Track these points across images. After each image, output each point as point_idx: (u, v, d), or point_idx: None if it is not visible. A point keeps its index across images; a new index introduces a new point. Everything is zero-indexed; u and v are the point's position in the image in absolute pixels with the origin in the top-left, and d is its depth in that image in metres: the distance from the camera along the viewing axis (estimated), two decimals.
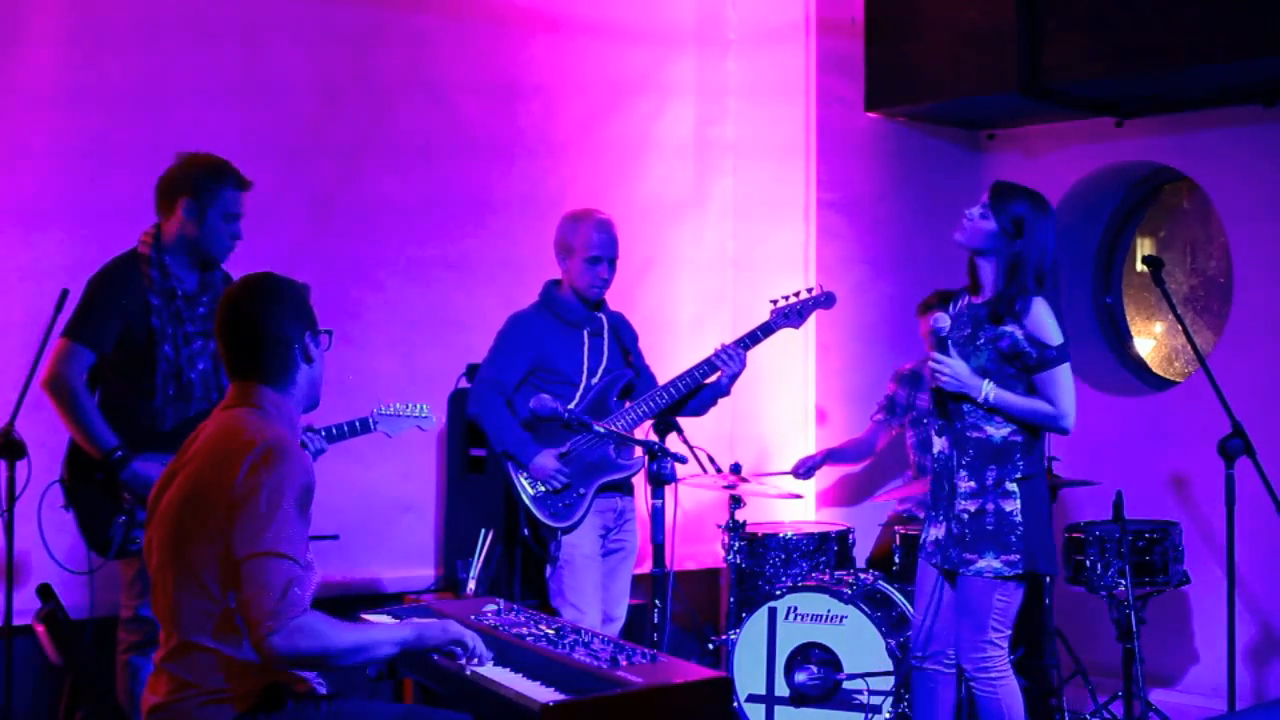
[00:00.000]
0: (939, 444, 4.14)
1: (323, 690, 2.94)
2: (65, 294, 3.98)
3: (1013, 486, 3.98)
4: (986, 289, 4.07)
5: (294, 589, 2.70)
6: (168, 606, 2.83)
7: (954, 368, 3.97)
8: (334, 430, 4.19)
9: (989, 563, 3.97)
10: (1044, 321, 3.96)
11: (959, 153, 6.60)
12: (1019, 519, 3.97)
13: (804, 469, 5.55)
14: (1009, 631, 4.05)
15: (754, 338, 4.74)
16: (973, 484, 4.01)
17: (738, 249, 6.42)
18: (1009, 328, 3.97)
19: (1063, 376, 3.96)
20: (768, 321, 4.76)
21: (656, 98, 6.25)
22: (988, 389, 3.94)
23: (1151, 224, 6.61)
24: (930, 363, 4.03)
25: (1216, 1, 5.20)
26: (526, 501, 4.61)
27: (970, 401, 3.98)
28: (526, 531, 4.67)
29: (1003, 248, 4.02)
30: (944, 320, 4.01)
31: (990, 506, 3.98)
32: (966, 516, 4.01)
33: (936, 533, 4.11)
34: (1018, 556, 3.96)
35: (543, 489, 4.61)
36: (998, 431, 3.99)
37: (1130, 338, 6.59)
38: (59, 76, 4.78)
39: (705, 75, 6.37)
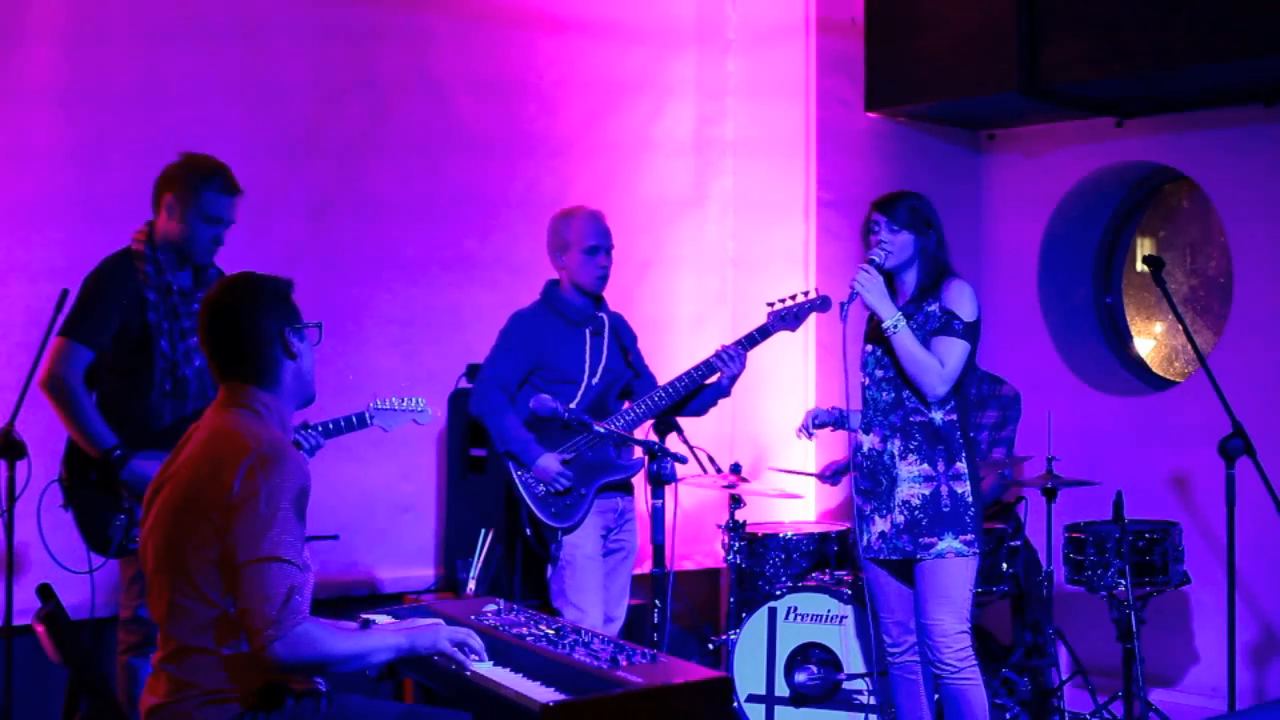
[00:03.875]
0: (868, 440, 4.19)
1: (323, 689, 2.94)
2: (65, 294, 3.97)
3: (963, 467, 4.10)
4: (905, 294, 4.22)
5: (295, 596, 2.71)
6: (164, 609, 2.83)
7: (880, 283, 4.12)
8: (330, 425, 4.18)
9: (949, 543, 4.07)
10: (962, 298, 4.14)
11: (959, 153, 6.60)
12: (970, 500, 4.11)
13: (831, 473, 5.39)
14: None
15: (751, 340, 4.73)
16: (925, 468, 4.10)
17: (738, 249, 6.42)
18: (931, 308, 4.15)
19: (958, 348, 4.10)
20: (764, 324, 4.76)
21: (656, 97, 6.25)
22: (898, 319, 4.09)
23: (1151, 224, 6.61)
24: (859, 268, 4.14)
25: (1216, 1, 5.20)
26: (528, 501, 4.61)
27: (877, 326, 4.14)
28: (529, 532, 4.67)
29: (924, 246, 4.19)
30: (880, 254, 4.17)
31: (944, 489, 4.08)
32: (919, 500, 4.09)
33: (880, 527, 4.15)
34: (972, 536, 4.10)
35: (544, 489, 4.61)
36: (938, 415, 4.11)
37: (1130, 338, 6.59)
38: (59, 76, 4.77)
39: (705, 75, 6.37)
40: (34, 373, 3.99)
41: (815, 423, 4.52)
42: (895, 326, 4.09)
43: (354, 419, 4.23)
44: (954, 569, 4.07)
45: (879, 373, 4.21)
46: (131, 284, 4.00)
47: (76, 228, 4.74)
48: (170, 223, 4.04)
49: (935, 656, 4.09)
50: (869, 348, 4.26)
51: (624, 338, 4.86)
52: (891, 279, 4.22)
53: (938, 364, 4.08)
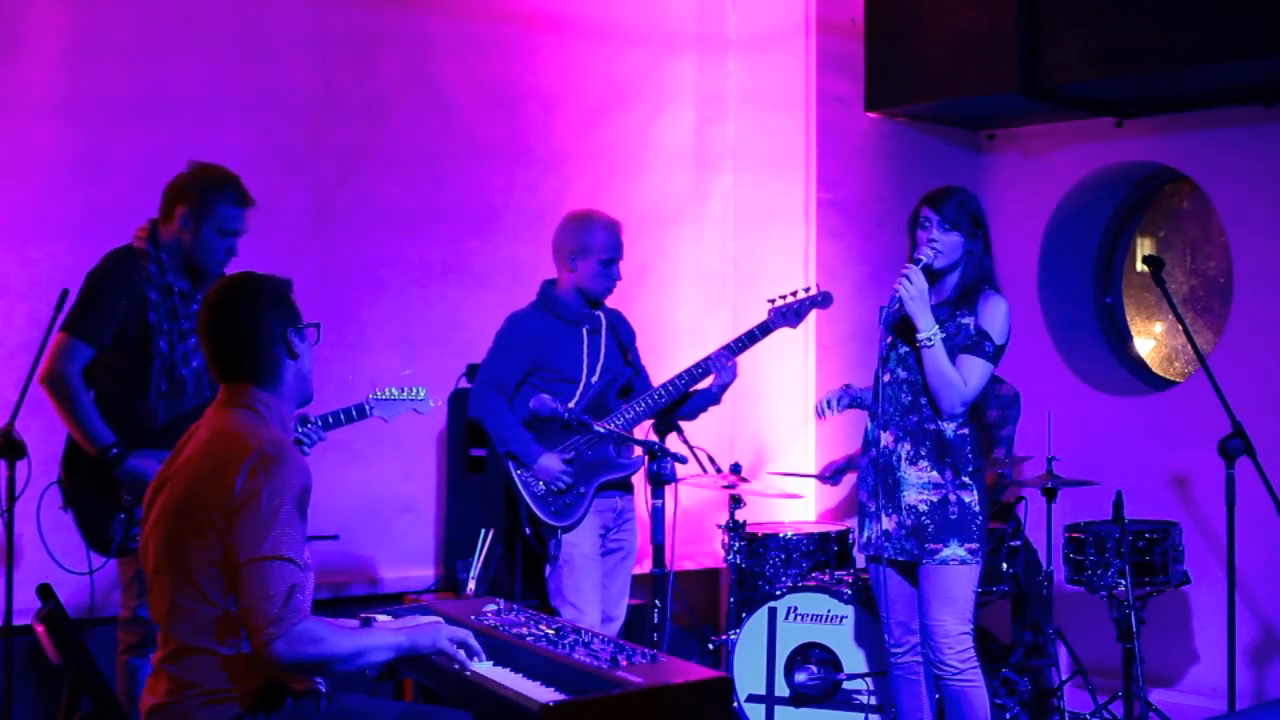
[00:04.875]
0: (883, 438, 4.17)
1: (323, 689, 2.94)
2: (65, 294, 3.97)
3: (969, 479, 4.08)
4: (942, 295, 4.16)
5: (296, 595, 2.71)
6: (165, 609, 2.84)
7: (925, 290, 4.04)
8: (330, 418, 4.17)
9: (954, 550, 4.06)
10: (996, 317, 4.09)
11: (959, 153, 6.60)
12: (977, 509, 4.10)
13: (831, 472, 5.46)
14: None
15: (752, 337, 4.74)
16: (934, 475, 4.09)
17: (738, 249, 6.42)
18: (965, 320, 4.09)
19: (983, 368, 4.08)
20: (765, 321, 4.76)
21: (657, 98, 6.25)
22: (935, 332, 4.02)
23: (1151, 224, 6.61)
24: (904, 271, 4.06)
25: (1216, 1, 5.20)
26: (528, 500, 4.61)
27: (909, 328, 4.06)
28: (529, 531, 4.67)
29: (972, 249, 4.13)
30: (929, 254, 4.09)
31: (952, 497, 4.07)
32: (926, 507, 4.08)
33: (885, 525, 4.14)
34: (977, 545, 4.09)
35: (544, 488, 4.61)
36: (950, 427, 4.09)
37: (1130, 338, 6.59)
38: (59, 84, 4.77)
39: (705, 75, 6.37)
40: (34, 372, 3.99)
41: (840, 405, 4.46)
42: (931, 340, 4.03)
43: (353, 410, 4.22)
44: (958, 574, 4.07)
45: (901, 373, 4.17)
46: (134, 282, 4.00)
47: (77, 233, 4.74)
48: (184, 234, 4.03)
49: (937, 657, 4.10)
50: (889, 340, 4.18)
51: (622, 336, 4.87)
52: (932, 278, 4.13)
53: (962, 382, 4.05)
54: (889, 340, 4.19)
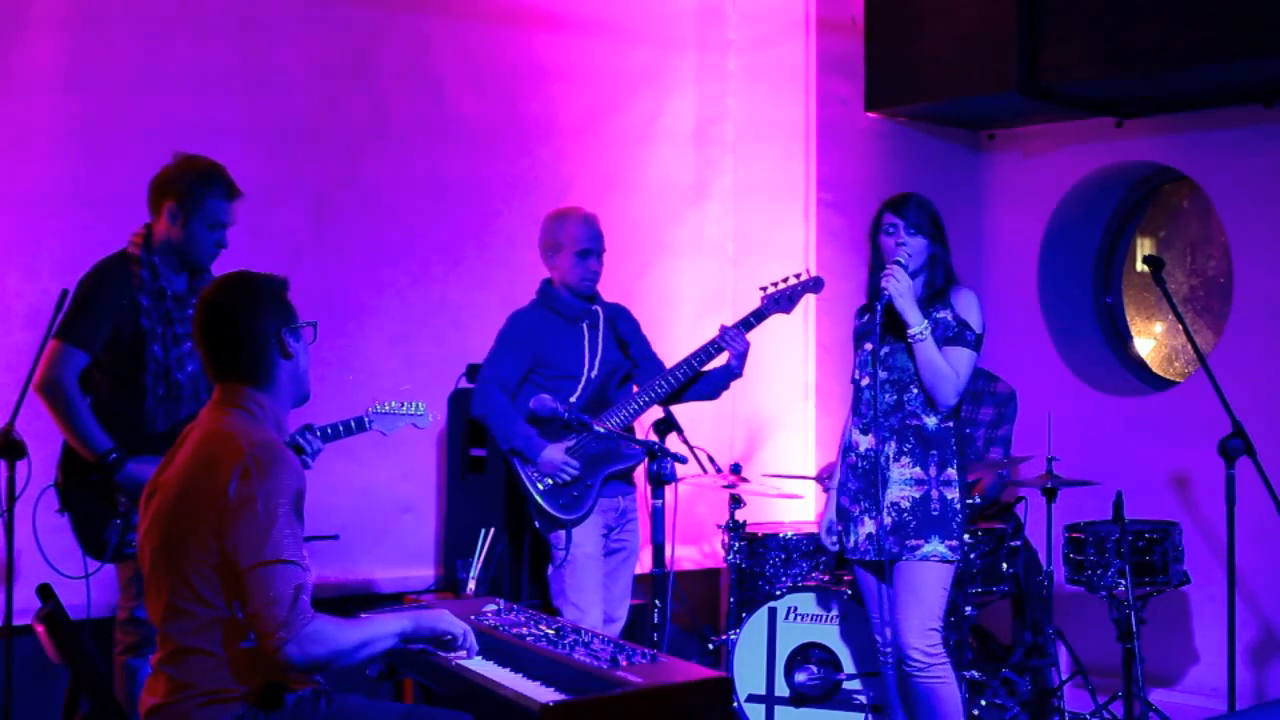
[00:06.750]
0: (865, 441, 4.17)
1: (323, 686, 2.94)
2: (65, 294, 3.96)
3: (953, 473, 4.10)
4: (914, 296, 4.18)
5: (302, 596, 2.71)
6: (162, 611, 2.83)
7: (910, 285, 4.09)
8: (329, 430, 4.17)
9: (935, 547, 4.07)
10: (971, 308, 4.16)
11: (959, 153, 6.60)
12: (959, 506, 4.11)
13: (829, 474, 5.43)
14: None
15: (746, 324, 4.74)
16: (917, 471, 4.09)
17: (738, 250, 6.42)
18: (940, 314, 4.13)
19: (969, 357, 4.12)
20: (759, 308, 4.77)
21: (657, 97, 6.25)
22: (925, 326, 4.07)
23: (1151, 224, 6.61)
24: (890, 268, 4.10)
25: (1217, 1, 5.21)
26: (536, 497, 4.61)
27: (895, 327, 4.10)
28: (539, 524, 4.67)
29: (935, 250, 4.19)
30: (904, 256, 4.14)
31: (935, 493, 4.08)
32: (909, 503, 4.08)
33: (868, 528, 4.14)
34: (957, 543, 4.10)
35: (550, 483, 4.61)
36: (932, 420, 4.10)
37: (1130, 338, 6.59)
38: (59, 67, 4.76)
39: (705, 75, 6.37)
40: (34, 371, 3.98)
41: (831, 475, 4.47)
42: (923, 334, 4.06)
43: (353, 423, 4.21)
44: (934, 572, 4.07)
45: (882, 374, 4.18)
46: (126, 288, 3.99)
47: (76, 224, 4.74)
48: (172, 229, 4.02)
49: (903, 654, 4.09)
50: (868, 347, 4.22)
51: (621, 329, 4.87)
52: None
53: (954, 374, 4.08)
54: (867, 347, 4.20)
